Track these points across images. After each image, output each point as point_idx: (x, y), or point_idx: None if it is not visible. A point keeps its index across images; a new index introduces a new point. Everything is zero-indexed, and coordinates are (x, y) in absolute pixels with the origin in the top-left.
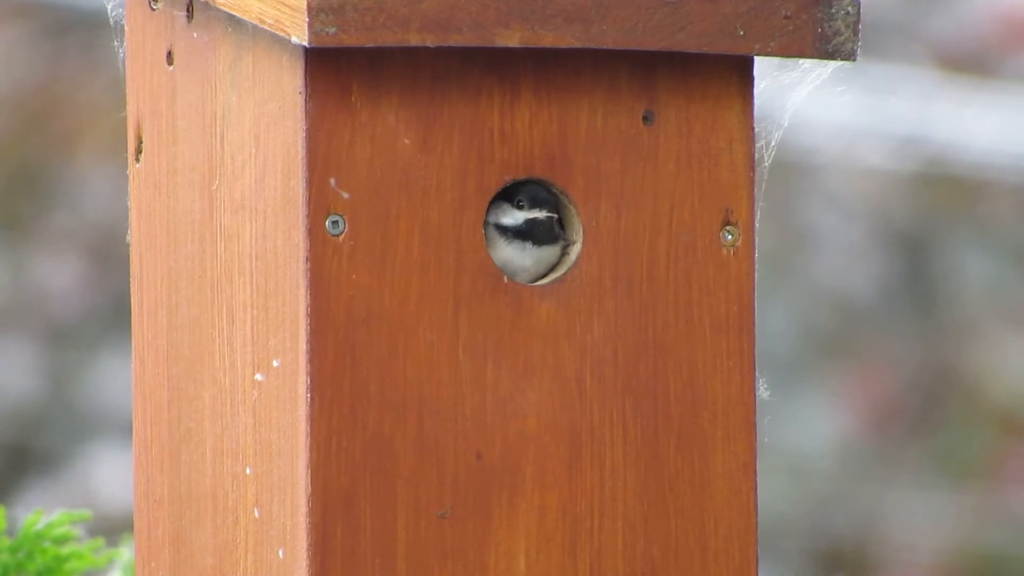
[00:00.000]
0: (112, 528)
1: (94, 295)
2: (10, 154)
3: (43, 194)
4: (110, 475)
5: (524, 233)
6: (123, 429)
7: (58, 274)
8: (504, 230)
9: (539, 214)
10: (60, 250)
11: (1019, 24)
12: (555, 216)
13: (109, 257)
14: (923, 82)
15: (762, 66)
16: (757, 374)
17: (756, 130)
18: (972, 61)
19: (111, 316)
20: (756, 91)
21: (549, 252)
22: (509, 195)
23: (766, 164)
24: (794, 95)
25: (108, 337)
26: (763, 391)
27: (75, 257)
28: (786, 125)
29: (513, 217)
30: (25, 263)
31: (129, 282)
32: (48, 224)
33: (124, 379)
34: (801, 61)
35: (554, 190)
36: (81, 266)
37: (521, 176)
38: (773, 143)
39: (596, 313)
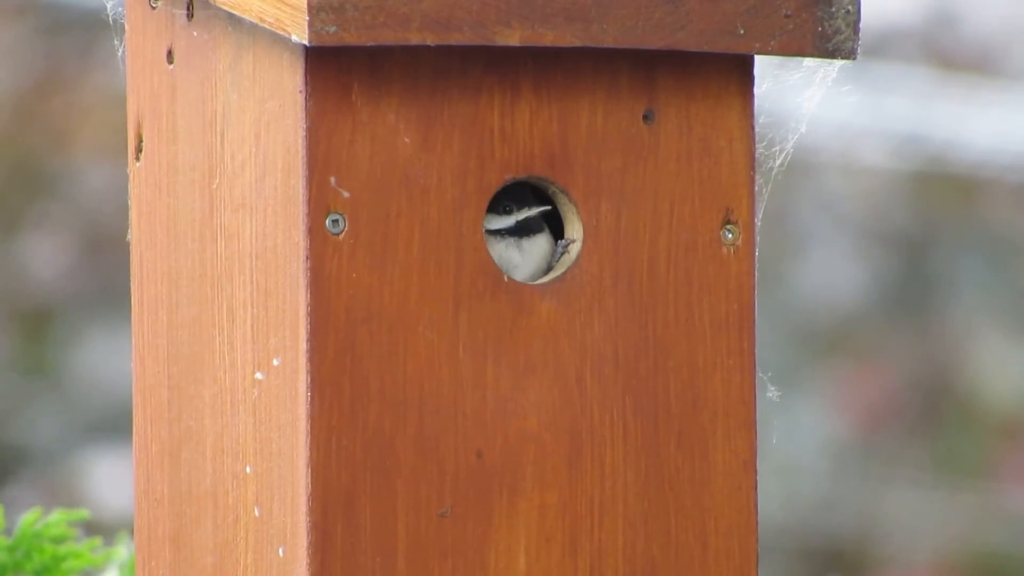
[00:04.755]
0: (99, 522)
1: (83, 284)
2: (7, 152)
3: (39, 193)
4: (99, 471)
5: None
6: (111, 422)
7: (48, 265)
8: (494, 232)
9: (529, 212)
10: (52, 243)
11: (1018, 22)
12: (546, 208)
13: (100, 250)
14: (923, 81)
15: (764, 66)
16: (764, 376)
17: (769, 135)
18: (972, 60)
19: (99, 305)
20: (760, 92)
21: (536, 244)
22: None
23: (774, 168)
24: (807, 100)
25: (97, 329)
26: (773, 394)
27: (66, 249)
28: (803, 131)
29: (504, 222)
30: (17, 255)
31: (126, 278)
32: (42, 220)
33: (111, 370)
34: (805, 62)
35: (551, 189)
36: (71, 258)
37: (521, 175)
38: (789, 147)
39: (596, 312)
